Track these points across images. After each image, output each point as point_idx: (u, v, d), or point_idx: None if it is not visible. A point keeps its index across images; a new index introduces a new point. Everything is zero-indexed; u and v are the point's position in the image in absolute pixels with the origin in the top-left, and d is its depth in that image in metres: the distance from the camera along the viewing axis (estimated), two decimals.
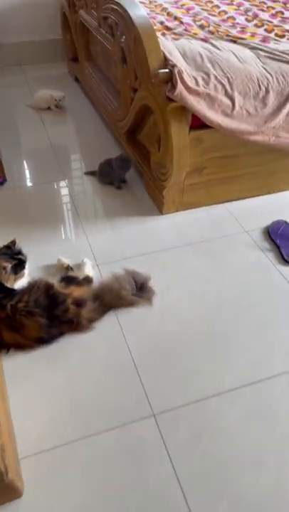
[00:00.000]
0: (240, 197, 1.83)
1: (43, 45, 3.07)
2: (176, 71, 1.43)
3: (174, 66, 1.45)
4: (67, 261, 1.49)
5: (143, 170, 1.88)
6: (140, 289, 1.40)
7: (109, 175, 1.90)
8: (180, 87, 1.42)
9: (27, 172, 2.07)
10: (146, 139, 1.88)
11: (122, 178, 1.92)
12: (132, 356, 1.25)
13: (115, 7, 1.73)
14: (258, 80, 1.54)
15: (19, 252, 1.33)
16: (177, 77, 1.42)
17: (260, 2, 2.31)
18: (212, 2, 2.29)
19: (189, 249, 1.61)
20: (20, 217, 1.76)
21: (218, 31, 1.88)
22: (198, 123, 1.52)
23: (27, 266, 1.33)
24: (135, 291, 1.39)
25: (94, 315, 1.31)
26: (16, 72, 3.03)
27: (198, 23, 1.99)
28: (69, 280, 1.36)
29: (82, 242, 1.64)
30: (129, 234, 1.68)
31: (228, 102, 1.51)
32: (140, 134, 1.93)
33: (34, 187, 1.95)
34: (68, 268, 1.47)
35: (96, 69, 2.46)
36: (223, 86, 1.51)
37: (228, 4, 2.27)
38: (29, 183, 1.98)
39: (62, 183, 1.97)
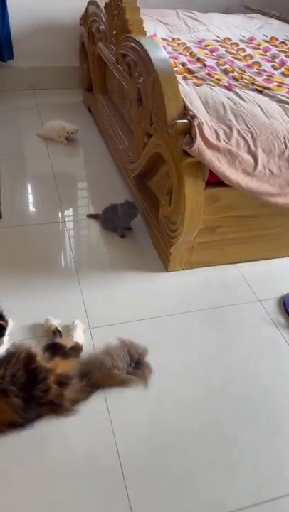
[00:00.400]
0: (254, 258, 1.66)
1: (59, 71, 2.97)
2: (195, 123, 1.29)
3: (193, 117, 1.31)
4: (56, 322, 1.32)
5: (150, 219, 1.73)
6: (136, 366, 1.22)
7: (113, 221, 1.74)
8: (199, 142, 1.27)
9: (25, 209, 1.92)
10: (157, 188, 1.73)
11: (126, 226, 1.76)
12: (118, 452, 1.06)
13: (135, 46, 1.60)
14: (284, 138, 1.40)
15: (0, 316, 1.16)
16: (196, 130, 1.28)
17: (288, 48, 2.20)
18: (238, 45, 2.19)
19: (195, 316, 1.43)
20: (11, 261, 1.60)
21: (242, 78, 1.76)
22: (215, 179, 1.37)
23: (7, 332, 1.16)
24: (130, 368, 1.21)
25: (79, 395, 1.13)
26: (28, 96, 2.93)
27: (222, 67, 1.87)
28: (54, 350, 1.19)
29: (77, 298, 1.47)
30: (130, 292, 1.51)
31: (250, 160, 1.36)
32: (151, 180, 1.79)
33: (31, 227, 1.79)
34: (56, 332, 1.29)
35: (110, 103, 2.34)
36: (246, 142, 1.36)
37: (254, 48, 2.16)
38: (26, 223, 1.82)
39: (62, 225, 1.81)
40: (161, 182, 1.67)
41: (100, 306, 1.44)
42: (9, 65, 2.85)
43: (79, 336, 1.29)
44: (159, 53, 1.50)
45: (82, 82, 2.84)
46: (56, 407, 1.10)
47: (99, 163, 2.28)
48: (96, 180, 2.16)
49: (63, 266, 1.61)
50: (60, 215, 1.86)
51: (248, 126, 1.39)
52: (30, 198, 2.00)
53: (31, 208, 1.93)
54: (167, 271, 1.60)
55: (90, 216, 1.85)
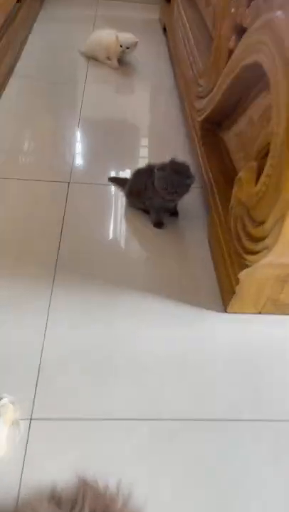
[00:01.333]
0: None
1: None
2: None
3: None
4: None
5: (214, 202, 0.93)
6: None
7: (145, 196, 0.96)
8: None
9: (17, 155, 1.18)
10: (238, 145, 0.92)
11: (168, 207, 0.98)
12: None
13: None
14: None
15: None
16: None
17: None
18: None
19: (253, 430, 0.66)
20: None
21: None
22: None
23: None
24: None
25: None
26: (87, 5, 2.16)
27: None
28: None
29: (34, 340, 0.74)
30: (137, 344, 0.76)
31: None
32: (228, 131, 0.98)
33: (14, 182, 1.08)
34: None
35: (190, 7, 1.51)
36: None
37: None
38: (10, 175, 1.10)
39: (63, 188, 1.07)
40: (247, 133, 0.86)
41: (67, 365, 0.71)
42: None
43: None
44: None
45: None
46: None
47: (157, 102, 1.49)
48: (143, 127, 1.37)
49: (35, 266, 0.88)
50: (65, 171, 1.12)
51: None
52: (32, 138, 1.27)
53: (27, 154, 1.19)
54: (226, 311, 0.82)
55: (112, 180, 1.09)
